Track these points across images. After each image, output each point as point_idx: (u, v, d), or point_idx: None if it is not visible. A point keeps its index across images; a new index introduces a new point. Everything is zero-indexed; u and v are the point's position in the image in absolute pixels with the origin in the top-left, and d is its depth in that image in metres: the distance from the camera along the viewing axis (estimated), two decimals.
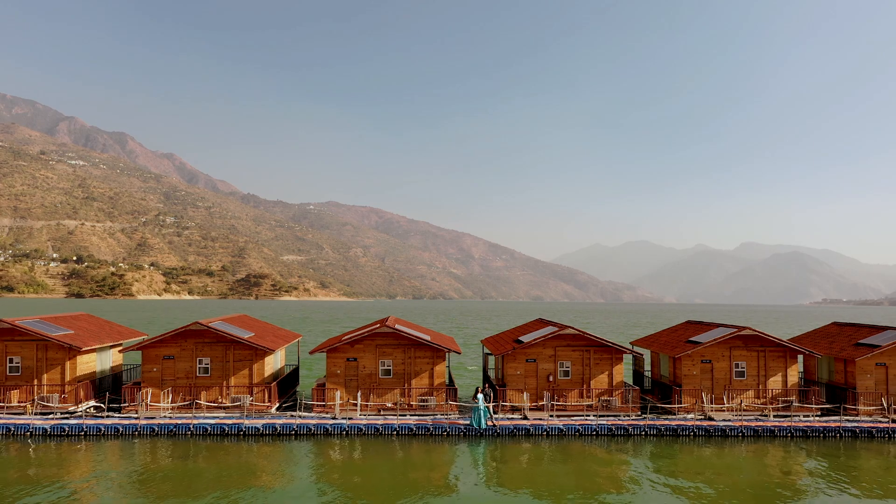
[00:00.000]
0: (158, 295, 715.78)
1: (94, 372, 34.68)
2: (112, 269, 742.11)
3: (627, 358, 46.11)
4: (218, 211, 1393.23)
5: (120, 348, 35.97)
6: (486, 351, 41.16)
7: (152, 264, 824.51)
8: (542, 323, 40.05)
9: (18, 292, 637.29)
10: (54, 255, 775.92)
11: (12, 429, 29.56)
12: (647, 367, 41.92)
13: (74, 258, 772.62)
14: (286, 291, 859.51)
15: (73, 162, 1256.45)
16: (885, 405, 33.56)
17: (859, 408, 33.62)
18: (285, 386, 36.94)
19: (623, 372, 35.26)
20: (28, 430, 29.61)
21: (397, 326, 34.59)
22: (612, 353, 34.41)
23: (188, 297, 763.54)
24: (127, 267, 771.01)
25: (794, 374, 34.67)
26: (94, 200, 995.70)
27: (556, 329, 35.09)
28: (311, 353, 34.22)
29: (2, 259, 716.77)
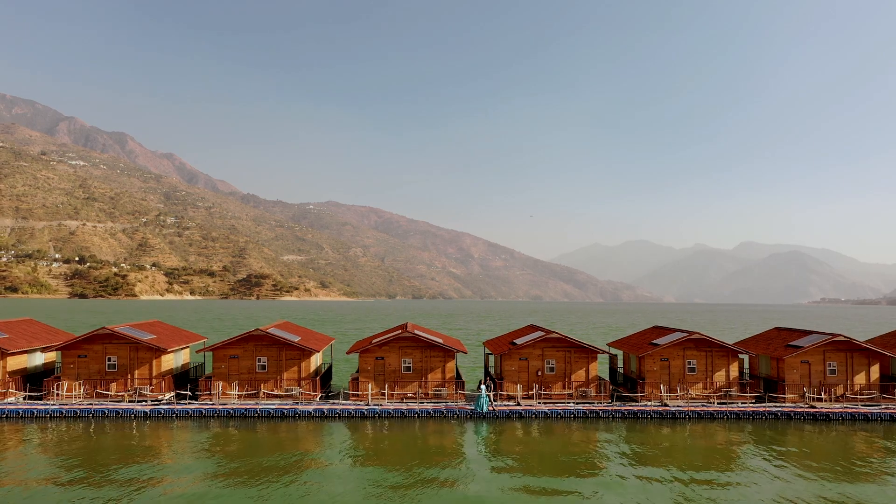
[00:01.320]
0: (161, 295, 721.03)
1: (172, 368, 43.02)
2: (114, 269, 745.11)
3: (606, 356, 54.38)
4: (218, 211, 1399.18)
5: (197, 349, 44.16)
6: (487, 351, 49.57)
7: (154, 264, 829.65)
8: (532, 328, 48.39)
9: (22, 292, 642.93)
10: (56, 256, 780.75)
11: (120, 412, 37.92)
12: (622, 364, 50.27)
13: (77, 259, 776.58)
14: (287, 292, 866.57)
15: (74, 162, 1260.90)
16: (805, 394, 41.94)
17: (786, 396, 42.01)
18: (324, 380, 45.24)
19: (598, 368, 43.62)
20: (132, 413, 37.97)
21: (416, 332, 42.95)
22: (588, 353, 42.79)
23: (190, 297, 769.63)
24: (129, 267, 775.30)
25: (735, 369, 43.01)
26: (94, 201, 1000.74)
27: (543, 334, 43.45)
28: (347, 353, 42.65)
29: (5, 260, 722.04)
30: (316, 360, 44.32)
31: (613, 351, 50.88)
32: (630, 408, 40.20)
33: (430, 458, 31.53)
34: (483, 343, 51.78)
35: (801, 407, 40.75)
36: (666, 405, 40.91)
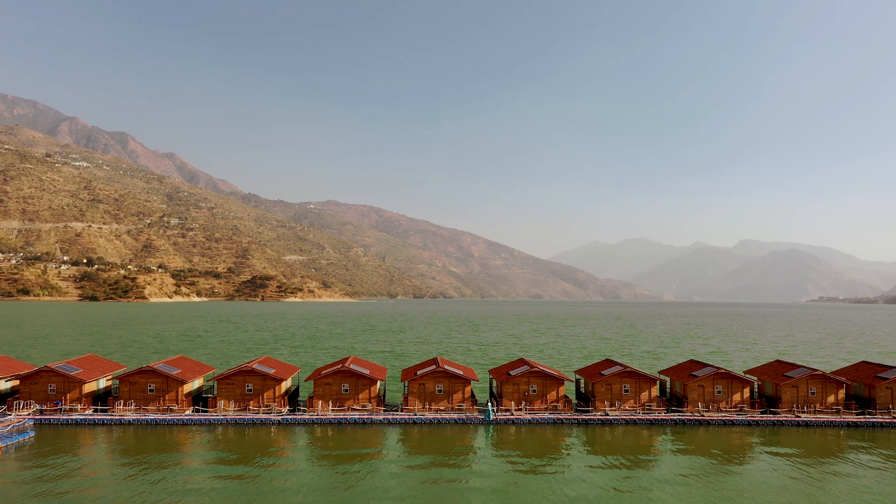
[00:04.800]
0: (169, 297, 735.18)
1: (286, 391, 65.15)
2: (122, 271, 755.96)
3: (575, 376, 76.44)
4: (220, 212, 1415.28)
5: (305, 378, 66.09)
6: (491, 377, 71.81)
7: (160, 266, 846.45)
8: (522, 362, 70.48)
9: (34, 295, 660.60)
10: (65, 258, 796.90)
11: (264, 421, 60.05)
12: (584, 386, 72.35)
13: (84, 261, 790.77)
14: (291, 293, 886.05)
15: (78, 164, 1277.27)
16: (700, 407, 64.10)
17: (687, 409, 64.14)
18: (384, 398, 67.38)
19: (565, 390, 65.72)
20: (269, 422, 60.09)
21: (445, 367, 65.10)
22: (558, 380, 64.93)
23: (197, 299, 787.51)
24: (136, 269, 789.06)
25: (655, 390, 65.10)
26: (99, 202, 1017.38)
27: (529, 368, 65.60)
28: (401, 381, 64.73)
29: (14, 262, 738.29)
30: (379, 385, 66.40)
31: (577, 377, 73.08)
32: (584, 417, 62.38)
33: (455, 449, 53.60)
34: (489, 371, 74.39)
35: (695, 416, 62.91)
36: (607, 415, 63.06)
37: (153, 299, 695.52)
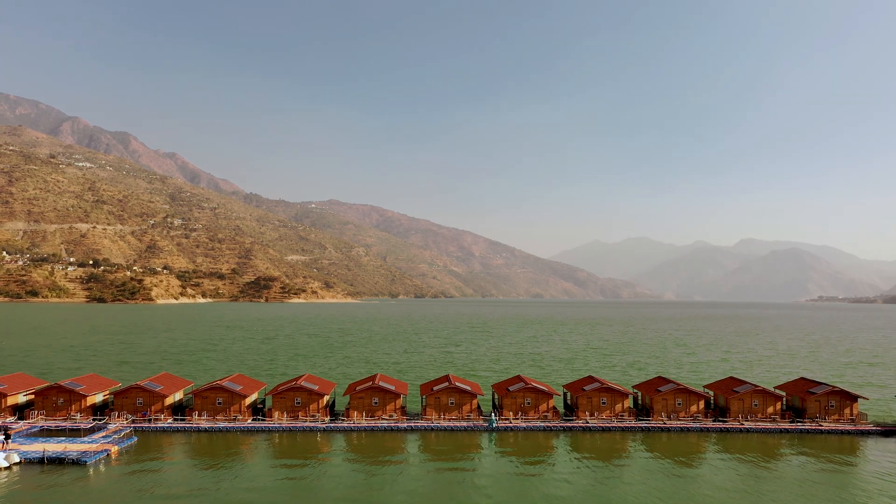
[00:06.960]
0: (175, 299, 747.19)
1: (327, 403, 79.85)
2: (129, 273, 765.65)
3: (564, 388, 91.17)
4: (223, 212, 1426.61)
5: (342, 393, 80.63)
6: (494, 392, 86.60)
7: (165, 267, 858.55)
8: (519, 379, 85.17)
9: (42, 296, 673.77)
10: (71, 260, 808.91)
11: (311, 428, 74.71)
12: (570, 398, 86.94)
13: (90, 262, 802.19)
14: (294, 294, 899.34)
15: (81, 164, 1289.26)
16: (663, 417, 78.77)
17: (652, 417, 78.79)
18: (405, 410, 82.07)
19: (555, 402, 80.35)
20: (316, 429, 74.75)
21: (456, 383, 79.79)
22: (548, 394, 79.60)
23: (202, 300, 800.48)
24: (142, 270, 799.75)
25: (628, 402, 79.70)
26: (104, 203, 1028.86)
27: (524, 384, 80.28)
28: (420, 395, 79.48)
29: (21, 263, 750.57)
30: (402, 398, 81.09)
31: (564, 391, 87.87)
32: (568, 425, 77.08)
33: (465, 452, 68.27)
34: (492, 386, 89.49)
35: (659, 424, 77.59)
36: (587, 423, 77.75)
37: (160, 301, 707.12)
